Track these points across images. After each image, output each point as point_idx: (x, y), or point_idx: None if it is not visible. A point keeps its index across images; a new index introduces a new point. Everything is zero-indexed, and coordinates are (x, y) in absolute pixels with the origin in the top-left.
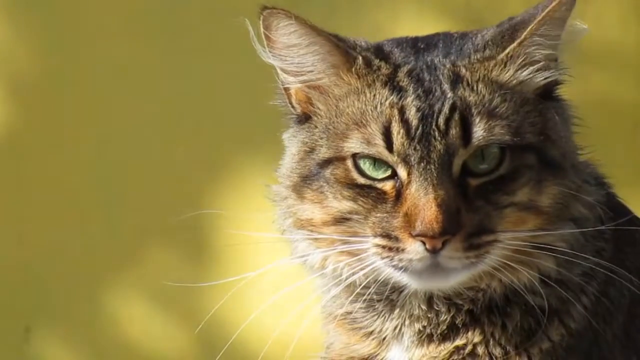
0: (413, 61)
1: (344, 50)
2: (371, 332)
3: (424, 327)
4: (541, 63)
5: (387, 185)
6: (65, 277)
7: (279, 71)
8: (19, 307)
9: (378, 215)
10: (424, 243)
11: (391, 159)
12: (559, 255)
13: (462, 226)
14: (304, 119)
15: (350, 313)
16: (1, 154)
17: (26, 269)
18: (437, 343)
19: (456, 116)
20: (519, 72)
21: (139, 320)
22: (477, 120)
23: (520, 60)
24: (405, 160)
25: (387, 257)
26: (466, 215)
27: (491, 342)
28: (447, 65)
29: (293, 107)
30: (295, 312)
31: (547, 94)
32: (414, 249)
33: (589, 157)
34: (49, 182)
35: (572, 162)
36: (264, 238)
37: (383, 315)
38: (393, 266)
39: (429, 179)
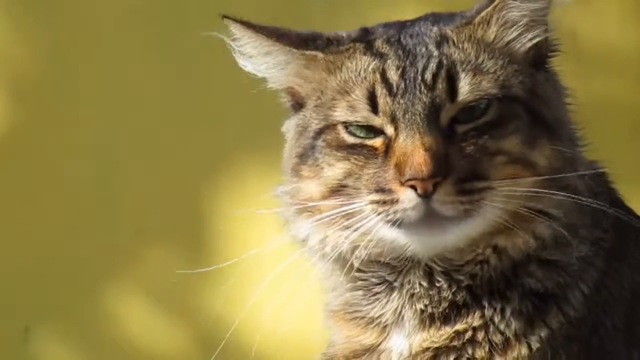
0: (394, 33)
1: (300, 54)
2: (372, 320)
3: (426, 306)
4: (523, 24)
5: (377, 142)
6: (65, 277)
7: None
8: (19, 307)
9: (370, 171)
10: (415, 189)
11: (377, 121)
12: (555, 225)
13: (452, 169)
14: (298, 106)
15: (350, 304)
16: (1, 154)
17: (26, 269)
18: (438, 325)
19: (442, 72)
20: (503, 32)
21: (139, 320)
22: (463, 75)
23: (501, 22)
24: (392, 117)
25: (383, 211)
26: (456, 160)
27: (491, 328)
28: (434, 30)
29: (284, 97)
30: (288, 290)
31: (539, 62)
32: (407, 197)
33: (588, 156)
34: (49, 182)
35: (568, 133)
36: (262, 235)
37: (381, 300)
38: (389, 221)
39: (415, 127)
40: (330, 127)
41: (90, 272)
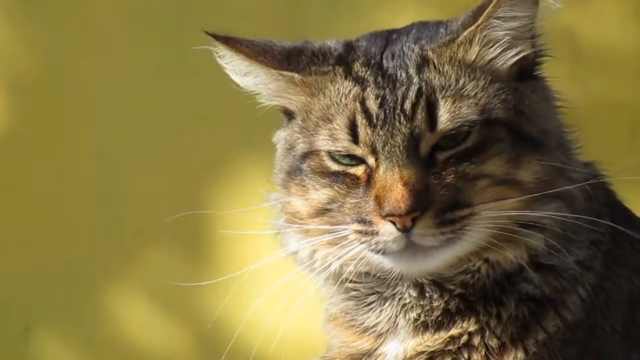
0: (374, 51)
1: (278, 74)
2: (367, 328)
3: (418, 315)
4: (506, 41)
5: (360, 170)
6: (65, 277)
7: None
8: (19, 307)
9: (353, 200)
10: (394, 223)
11: (358, 151)
12: (548, 236)
13: (432, 202)
14: (290, 117)
15: (346, 312)
16: (1, 153)
17: (26, 269)
18: (432, 331)
19: (422, 101)
20: (485, 50)
21: (139, 320)
22: (443, 103)
23: (484, 41)
24: (372, 148)
25: (365, 241)
26: (436, 191)
27: (487, 333)
28: (416, 50)
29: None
30: (287, 303)
31: (525, 73)
32: (387, 230)
33: (585, 157)
34: (49, 182)
35: (558, 140)
36: (260, 236)
37: (375, 310)
38: (372, 250)
39: (395, 160)
40: (314, 152)
41: (91, 272)
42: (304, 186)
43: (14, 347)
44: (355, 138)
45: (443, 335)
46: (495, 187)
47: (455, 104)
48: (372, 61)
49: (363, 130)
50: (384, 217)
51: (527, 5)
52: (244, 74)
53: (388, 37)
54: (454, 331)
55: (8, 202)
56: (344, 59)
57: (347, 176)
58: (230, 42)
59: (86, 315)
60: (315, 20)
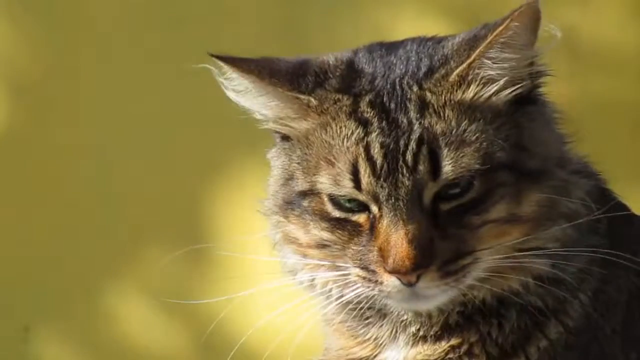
0: (380, 85)
1: (293, 97)
2: (366, 339)
3: (417, 329)
4: (504, 79)
5: (362, 218)
6: (65, 277)
7: None
8: (19, 307)
9: (355, 247)
10: (399, 278)
11: (361, 197)
12: (552, 255)
13: (436, 256)
14: (285, 137)
15: (345, 321)
16: (1, 153)
17: (26, 269)
18: (432, 342)
19: (424, 150)
20: (482, 90)
21: (138, 320)
22: (446, 152)
23: (479, 81)
24: (375, 197)
25: (368, 287)
26: (439, 244)
27: (488, 341)
28: (414, 89)
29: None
30: (291, 327)
31: (524, 99)
32: (391, 283)
33: (582, 153)
34: (49, 182)
35: (557, 158)
36: (260, 239)
37: (375, 324)
38: (375, 294)
39: (399, 214)
40: (314, 193)
41: (90, 272)
42: (303, 219)
43: (14, 347)
44: (358, 184)
45: (444, 344)
46: (498, 228)
47: (458, 152)
48: (377, 100)
49: (366, 180)
50: (389, 272)
51: (521, 47)
52: (256, 96)
53: (388, 61)
54: (454, 341)
55: (8, 201)
56: (349, 90)
57: (349, 223)
58: (239, 62)
59: (86, 315)
60: (315, 20)
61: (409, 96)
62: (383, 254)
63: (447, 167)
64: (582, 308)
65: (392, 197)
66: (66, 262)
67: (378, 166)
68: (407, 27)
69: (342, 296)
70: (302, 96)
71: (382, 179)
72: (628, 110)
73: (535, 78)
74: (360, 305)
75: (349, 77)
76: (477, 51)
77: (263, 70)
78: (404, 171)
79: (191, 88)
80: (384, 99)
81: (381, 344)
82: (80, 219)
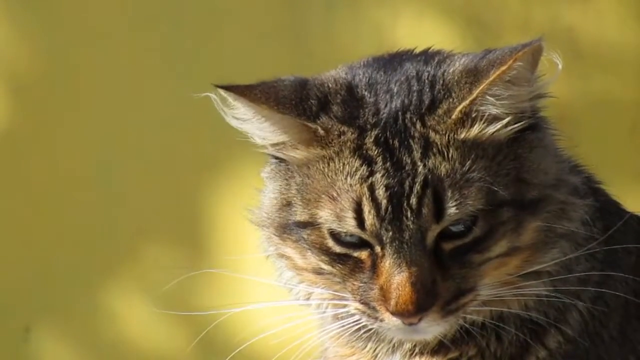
0: (384, 117)
1: (301, 124)
2: (364, 351)
3: (414, 346)
4: (507, 117)
5: (364, 254)
6: (65, 277)
7: None
8: (19, 306)
9: (356, 283)
10: (401, 319)
11: (364, 235)
12: (552, 276)
13: (438, 297)
14: (282, 160)
15: (343, 332)
16: (1, 153)
17: (26, 269)
18: (429, 356)
19: (428, 193)
20: (486, 128)
21: (139, 320)
22: (449, 194)
23: (481, 117)
24: (378, 238)
25: (368, 320)
26: (442, 285)
27: (487, 353)
28: (417, 126)
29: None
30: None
31: (524, 128)
32: (392, 322)
33: (584, 155)
34: (49, 181)
35: (555, 180)
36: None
37: (373, 340)
38: (374, 327)
39: (402, 256)
40: (314, 226)
41: (90, 272)
42: (301, 246)
43: (14, 347)
44: (361, 224)
45: (441, 358)
46: (498, 261)
47: (462, 193)
48: (382, 138)
49: (370, 221)
50: (391, 313)
51: (524, 84)
52: (261, 123)
53: (389, 89)
54: (452, 355)
55: (7, 201)
56: (354, 122)
57: (350, 258)
58: (245, 92)
59: (86, 315)
60: (315, 20)
61: (412, 133)
62: (385, 294)
63: (451, 210)
64: (580, 316)
65: (396, 240)
66: (66, 262)
67: (383, 208)
68: (407, 27)
69: (337, 316)
70: (310, 124)
71: (386, 222)
72: (627, 110)
73: (537, 110)
74: (357, 327)
75: (351, 106)
76: (480, 89)
77: (269, 97)
78: (408, 215)
79: (192, 88)
80: (388, 135)
81: (379, 356)
82: (80, 219)
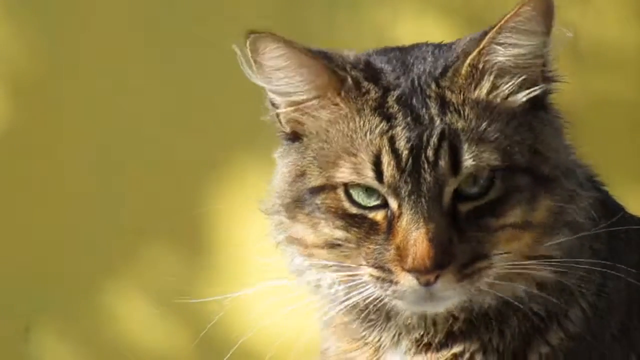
0: (403, 82)
1: (332, 71)
2: (368, 342)
3: (421, 335)
4: (518, 76)
5: (379, 215)
6: (65, 277)
7: (267, 92)
8: (19, 306)
9: (370, 246)
10: (417, 277)
11: (382, 189)
12: (555, 264)
13: (454, 257)
14: (295, 138)
15: (347, 324)
16: (1, 153)
17: (26, 269)
18: (434, 351)
19: (445, 145)
20: (497, 83)
21: (139, 320)
22: (466, 147)
23: (490, 68)
24: (396, 192)
25: (381, 287)
26: (458, 246)
27: (489, 349)
28: (433, 87)
29: (283, 126)
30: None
31: (537, 104)
32: (407, 283)
33: (584, 155)
34: (49, 181)
35: (565, 168)
36: (262, 219)
37: (379, 327)
38: (387, 295)
39: (420, 212)
40: (330, 188)
41: (91, 272)
42: (314, 218)
43: (14, 347)
44: (380, 176)
45: (445, 353)
46: (511, 233)
47: (479, 147)
48: (403, 97)
49: (389, 172)
50: (407, 271)
51: (532, 34)
52: (294, 67)
53: (405, 61)
54: (456, 349)
55: (7, 201)
56: (378, 82)
57: (365, 220)
58: (280, 37)
59: (86, 315)
60: (315, 20)
61: (428, 94)
62: (401, 252)
63: (468, 162)
64: (582, 313)
65: (414, 194)
66: (66, 262)
67: (403, 160)
68: (407, 27)
69: (349, 298)
70: (341, 72)
71: (405, 173)
72: (628, 110)
73: (548, 82)
74: (367, 310)
75: (372, 72)
76: (487, 37)
77: (302, 46)
78: (426, 167)
79: (192, 88)
80: (407, 95)
81: (382, 348)
82: (80, 219)
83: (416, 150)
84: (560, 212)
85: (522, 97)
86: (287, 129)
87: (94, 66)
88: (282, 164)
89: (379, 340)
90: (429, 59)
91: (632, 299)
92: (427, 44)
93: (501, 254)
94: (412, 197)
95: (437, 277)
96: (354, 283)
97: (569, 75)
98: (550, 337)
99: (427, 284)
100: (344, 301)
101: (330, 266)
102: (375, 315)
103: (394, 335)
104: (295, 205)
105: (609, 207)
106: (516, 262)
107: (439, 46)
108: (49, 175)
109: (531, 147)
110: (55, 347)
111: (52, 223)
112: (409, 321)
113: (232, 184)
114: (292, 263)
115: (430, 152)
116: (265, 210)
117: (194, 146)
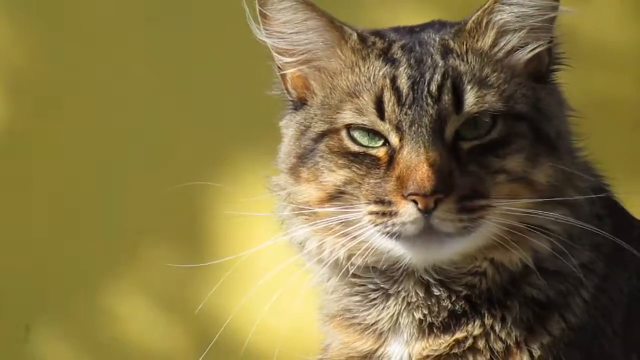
0: (407, 38)
1: (339, 27)
2: (368, 326)
3: (425, 315)
4: (521, 32)
5: (381, 151)
6: (65, 277)
7: (274, 54)
8: (19, 306)
9: (371, 181)
10: (416, 203)
11: (383, 127)
12: (553, 240)
13: (455, 187)
14: (300, 104)
15: (348, 310)
16: (1, 154)
17: (26, 269)
18: (437, 334)
19: (448, 83)
20: (501, 40)
21: (139, 320)
22: (469, 87)
23: (495, 28)
24: (397, 127)
25: (381, 222)
26: (459, 178)
27: (492, 336)
28: (437, 39)
29: (289, 92)
30: (285, 290)
31: (541, 76)
32: (407, 210)
33: (587, 155)
34: (49, 181)
35: (568, 146)
36: (262, 235)
37: (377, 306)
38: (387, 233)
39: (421, 141)
40: (333, 131)
41: (91, 272)
42: (317, 169)
43: (14, 346)
44: (381, 114)
45: (448, 339)
46: (512, 184)
47: (481, 90)
48: (408, 45)
49: (390, 108)
50: (407, 196)
51: None
52: (302, 21)
53: (411, 30)
54: (458, 335)
55: (8, 202)
56: (384, 37)
57: (367, 157)
58: None
59: (86, 315)
60: None
61: (432, 44)
62: (402, 180)
63: (470, 100)
64: (584, 304)
65: (415, 124)
66: (66, 262)
67: (404, 95)
68: None
69: (351, 263)
70: (347, 29)
71: (406, 107)
72: (628, 109)
73: (552, 60)
74: (364, 281)
75: (379, 33)
76: None
77: (311, 1)
78: (429, 100)
79: (192, 88)
80: (412, 45)
81: (382, 333)
82: (80, 219)
83: (418, 86)
84: (560, 186)
85: (525, 54)
86: (294, 95)
87: (94, 66)
88: (288, 130)
89: (377, 322)
90: (437, 28)
91: (633, 296)
92: (433, 21)
93: (501, 199)
94: (413, 128)
95: (436, 203)
96: (353, 231)
97: (569, 74)
98: (552, 327)
99: (426, 210)
100: (344, 259)
101: (332, 227)
102: (375, 294)
103: (392, 315)
104: (300, 162)
105: (611, 206)
106: (513, 225)
107: (444, 22)
108: (49, 175)
109: (535, 105)
110: (55, 347)
111: (52, 223)
112: (411, 299)
113: (232, 183)
114: (295, 236)
115: (433, 87)
116: (272, 188)
117: (194, 146)
